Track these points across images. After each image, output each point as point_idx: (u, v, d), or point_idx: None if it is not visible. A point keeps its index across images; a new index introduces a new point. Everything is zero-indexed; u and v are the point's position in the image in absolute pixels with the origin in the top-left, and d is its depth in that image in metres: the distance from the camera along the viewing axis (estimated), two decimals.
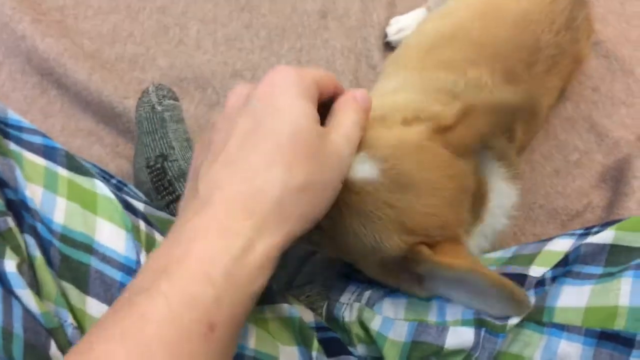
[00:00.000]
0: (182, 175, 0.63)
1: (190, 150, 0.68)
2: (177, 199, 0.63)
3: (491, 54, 0.61)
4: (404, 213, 0.45)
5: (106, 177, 0.58)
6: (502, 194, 0.54)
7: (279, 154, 0.38)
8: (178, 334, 0.31)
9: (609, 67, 0.88)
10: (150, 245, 0.48)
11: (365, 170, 0.45)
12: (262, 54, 0.92)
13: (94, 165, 0.59)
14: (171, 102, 0.73)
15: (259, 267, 0.35)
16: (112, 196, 0.47)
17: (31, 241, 0.42)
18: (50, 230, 0.43)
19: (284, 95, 0.40)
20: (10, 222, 0.40)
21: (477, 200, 0.50)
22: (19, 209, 0.43)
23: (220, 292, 0.33)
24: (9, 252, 0.39)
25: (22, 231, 0.42)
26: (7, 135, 0.46)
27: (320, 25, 0.95)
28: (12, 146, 0.46)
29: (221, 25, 0.95)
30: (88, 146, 0.82)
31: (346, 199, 0.45)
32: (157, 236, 0.50)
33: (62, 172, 0.47)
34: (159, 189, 0.63)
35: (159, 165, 0.64)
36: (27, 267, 0.40)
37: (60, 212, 0.44)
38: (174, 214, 0.62)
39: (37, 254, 0.42)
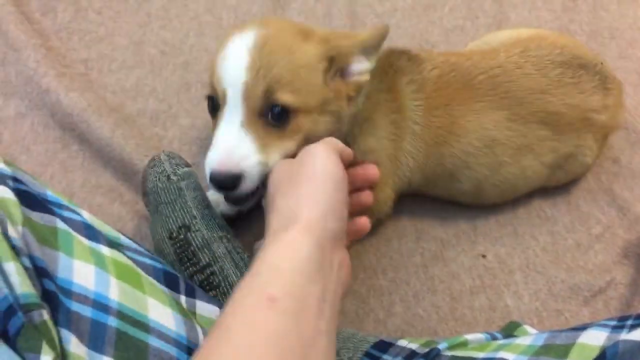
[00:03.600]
0: (206, 245, 0.62)
1: (212, 219, 0.67)
2: (201, 270, 0.62)
3: None
4: None
5: (139, 247, 0.58)
6: None
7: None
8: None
9: (628, 139, 0.88)
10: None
11: None
12: None
13: (125, 236, 0.58)
14: (185, 169, 0.72)
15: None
16: (153, 277, 0.48)
17: (68, 336, 0.41)
18: (107, 309, 0.43)
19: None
20: (45, 314, 0.40)
21: None
22: (56, 298, 0.42)
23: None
24: (45, 347, 0.38)
25: (56, 324, 0.41)
26: (52, 212, 0.46)
27: None
28: (60, 224, 0.45)
29: None
30: (108, 204, 0.81)
31: None
32: (198, 307, 0.52)
33: (105, 251, 0.47)
34: (182, 260, 0.62)
35: (182, 237, 0.63)
36: None
37: (114, 290, 0.45)
38: (199, 286, 0.61)
39: (71, 349, 0.41)
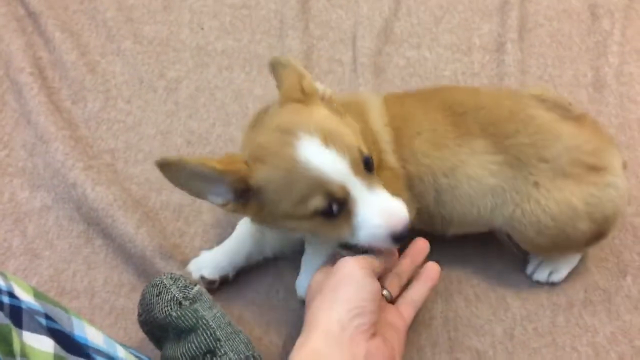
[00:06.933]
0: None
1: (236, 337, 0.63)
2: None
3: None
4: None
5: None
6: None
7: None
8: None
9: None
10: None
11: None
12: None
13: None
14: (195, 289, 0.69)
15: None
16: None
17: None
18: None
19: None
20: None
21: None
22: None
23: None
24: None
25: None
26: (88, 357, 0.44)
27: None
28: None
29: None
30: (131, 307, 0.79)
31: None
32: None
33: None
34: None
35: None
36: None
37: None
38: None
39: None
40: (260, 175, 0.62)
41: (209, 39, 1.12)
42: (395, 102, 0.79)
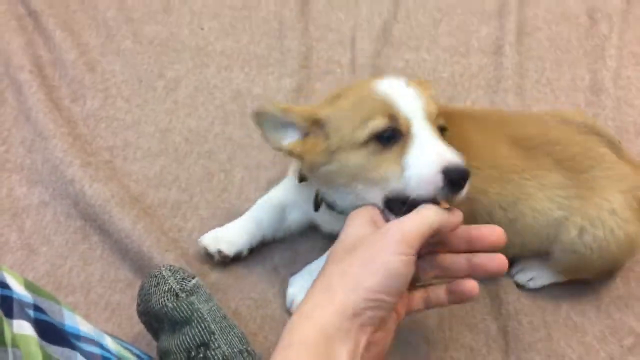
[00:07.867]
0: None
1: (231, 331, 0.64)
2: None
3: None
4: None
5: None
6: None
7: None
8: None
9: None
10: None
11: None
12: None
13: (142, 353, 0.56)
14: (193, 282, 0.69)
15: None
16: None
17: None
18: None
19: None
20: None
21: None
22: None
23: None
24: None
25: None
26: (72, 346, 0.44)
27: None
28: (80, 359, 0.43)
29: (264, 170, 0.96)
30: (127, 302, 0.79)
31: None
32: None
33: None
34: None
35: (201, 356, 0.60)
36: None
37: None
38: None
39: None
40: (333, 108, 0.65)
41: (209, 40, 1.13)
42: (452, 121, 0.70)
